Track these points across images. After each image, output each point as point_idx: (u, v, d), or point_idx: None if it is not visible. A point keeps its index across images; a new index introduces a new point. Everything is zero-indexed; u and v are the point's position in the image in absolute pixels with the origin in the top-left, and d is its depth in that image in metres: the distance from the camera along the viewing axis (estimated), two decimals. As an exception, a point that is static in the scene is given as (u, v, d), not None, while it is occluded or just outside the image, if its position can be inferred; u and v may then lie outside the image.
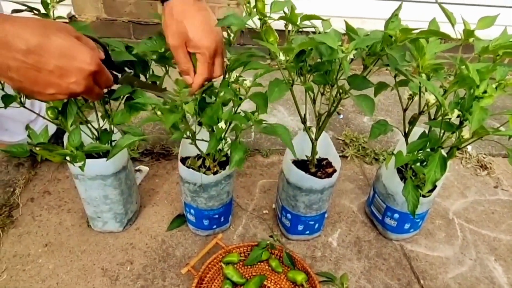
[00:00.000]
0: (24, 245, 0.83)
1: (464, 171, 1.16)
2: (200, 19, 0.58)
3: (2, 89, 0.63)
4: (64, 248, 0.82)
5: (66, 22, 0.66)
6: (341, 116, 1.39)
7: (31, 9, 0.58)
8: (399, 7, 0.54)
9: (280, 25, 0.64)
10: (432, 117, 0.73)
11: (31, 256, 0.80)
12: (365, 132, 1.30)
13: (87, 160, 0.70)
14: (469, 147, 1.24)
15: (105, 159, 0.71)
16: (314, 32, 0.65)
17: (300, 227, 0.85)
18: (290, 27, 0.64)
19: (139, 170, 1.03)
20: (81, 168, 0.61)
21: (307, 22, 0.62)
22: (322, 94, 0.71)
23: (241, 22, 0.56)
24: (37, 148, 0.58)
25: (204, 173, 0.74)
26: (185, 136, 0.65)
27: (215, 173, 0.76)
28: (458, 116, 0.63)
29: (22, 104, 0.65)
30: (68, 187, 0.98)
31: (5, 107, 0.61)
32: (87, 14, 1.60)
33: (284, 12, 0.60)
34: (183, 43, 0.58)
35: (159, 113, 0.58)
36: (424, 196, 0.77)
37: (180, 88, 0.57)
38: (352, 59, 0.58)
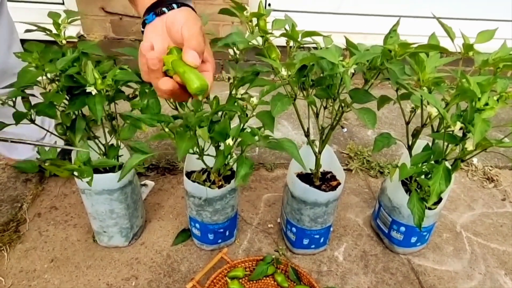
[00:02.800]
0: (30, 260, 0.83)
1: (471, 184, 1.15)
2: None
3: (14, 106, 0.65)
4: (70, 263, 0.83)
5: (75, 41, 0.69)
6: (345, 129, 1.39)
7: (43, 30, 0.61)
8: (397, 23, 0.56)
9: (282, 41, 0.66)
10: (435, 130, 0.74)
11: (37, 271, 0.81)
12: (370, 145, 1.30)
13: (94, 175, 0.71)
14: (475, 160, 1.23)
15: (111, 173, 0.73)
16: (315, 48, 0.67)
17: (306, 241, 0.84)
18: (291, 43, 0.65)
19: (144, 185, 1.04)
20: (89, 183, 0.62)
21: (308, 39, 0.64)
22: (325, 108, 0.72)
23: (244, 40, 0.58)
24: (46, 164, 0.59)
25: (209, 187, 0.75)
26: (191, 151, 0.66)
27: (220, 187, 0.76)
28: (461, 128, 0.64)
29: (33, 121, 0.67)
30: (75, 202, 0.99)
31: (16, 124, 0.63)
32: (96, 34, 1.65)
33: (285, 29, 0.62)
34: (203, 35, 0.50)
35: (167, 129, 0.59)
36: (429, 208, 0.76)
37: (196, 109, 0.58)
38: (353, 73, 0.59)
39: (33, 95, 0.66)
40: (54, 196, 1.00)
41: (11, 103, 0.65)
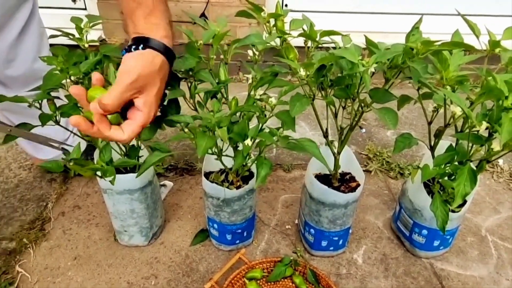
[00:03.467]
0: (54, 258, 0.86)
1: (496, 186, 1.11)
2: (160, 88, 0.58)
3: (40, 108, 0.68)
4: (92, 262, 0.85)
5: (96, 45, 0.71)
6: (364, 130, 1.37)
7: (66, 34, 0.63)
8: (420, 20, 0.54)
9: (300, 42, 0.65)
10: (459, 130, 0.71)
11: (61, 268, 0.83)
12: (389, 146, 1.27)
13: (116, 175, 0.73)
14: (501, 161, 1.19)
15: (132, 174, 0.74)
16: (334, 48, 0.66)
17: (324, 243, 0.83)
18: (309, 43, 0.65)
19: (163, 185, 1.05)
20: (112, 182, 0.63)
21: (326, 38, 0.63)
22: (344, 108, 0.71)
23: (263, 41, 0.58)
24: (71, 163, 0.61)
25: (227, 187, 0.75)
26: (210, 152, 0.67)
27: (238, 187, 0.76)
28: (486, 128, 0.61)
29: (57, 122, 0.69)
30: (97, 201, 1.01)
31: (42, 125, 0.65)
32: (116, 37, 1.69)
33: (303, 29, 0.62)
34: (136, 93, 0.55)
35: (186, 130, 0.60)
36: (453, 211, 0.74)
37: (215, 110, 0.58)
38: (373, 73, 0.58)
39: (58, 98, 0.68)
40: (77, 195, 1.03)
41: (37, 105, 0.67)
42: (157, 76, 0.56)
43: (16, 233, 0.90)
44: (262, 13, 0.56)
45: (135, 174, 0.74)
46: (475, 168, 0.64)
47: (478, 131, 0.63)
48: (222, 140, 0.68)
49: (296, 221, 0.97)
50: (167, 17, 0.59)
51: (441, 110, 0.71)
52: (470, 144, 0.66)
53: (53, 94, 0.68)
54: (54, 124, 0.69)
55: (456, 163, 0.69)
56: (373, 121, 1.43)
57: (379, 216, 0.99)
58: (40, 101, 0.66)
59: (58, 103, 0.70)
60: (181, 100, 0.69)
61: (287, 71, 0.69)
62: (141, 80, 0.54)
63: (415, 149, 1.25)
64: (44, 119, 0.66)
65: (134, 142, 0.76)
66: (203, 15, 1.60)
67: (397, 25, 1.65)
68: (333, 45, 0.67)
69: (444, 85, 0.59)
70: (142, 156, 0.78)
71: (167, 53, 0.57)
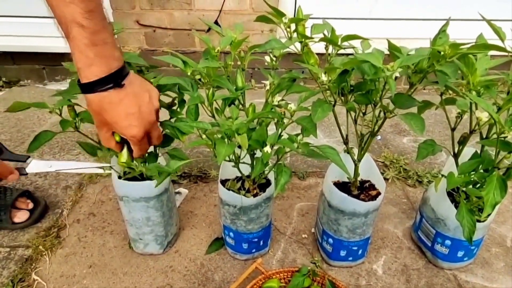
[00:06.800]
0: (70, 265, 0.85)
1: (520, 195, 1.07)
2: (123, 108, 0.55)
3: (60, 114, 0.68)
4: (107, 270, 0.84)
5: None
6: (379, 137, 1.35)
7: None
8: (447, 23, 0.53)
9: (319, 48, 0.65)
10: (484, 136, 0.69)
11: (77, 276, 0.83)
12: (406, 153, 1.25)
13: (132, 183, 0.73)
14: (523, 169, 1.15)
15: (149, 181, 0.73)
16: (353, 54, 0.65)
17: (343, 253, 0.81)
18: (330, 49, 0.64)
19: (178, 193, 1.05)
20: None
21: (346, 44, 0.62)
22: (364, 114, 0.70)
23: (283, 46, 0.57)
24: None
25: (244, 195, 0.74)
26: (227, 159, 0.66)
27: (255, 195, 0.75)
28: (514, 134, 0.59)
29: (77, 129, 0.69)
30: (111, 209, 1.01)
31: (63, 130, 0.65)
32: (130, 46, 1.71)
33: (324, 35, 0.61)
34: (107, 128, 0.59)
35: (204, 136, 0.59)
36: (479, 221, 0.71)
37: (234, 116, 0.58)
38: (396, 77, 0.57)
39: (78, 105, 0.69)
40: (92, 202, 1.03)
41: (58, 111, 0.67)
42: (104, 111, 0.55)
43: (32, 240, 0.90)
44: (283, 18, 0.55)
45: (152, 182, 0.73)
46: (504, 177, 0.61)
47: (506, 137, 0.61)
48: (239, 147, 0.67)
49: (313, 230, 0.94)
50: (91, 41, 0.50)
51: (465, 116, 0.69)
52: (497, 151, 0.64)
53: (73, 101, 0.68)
54: (74, 130, 0.70)
55: (482, 170, 0.67)
56: (388, 127, 1.41)
57: (398, 225, 0.97)
58: (60, 108, 0.67)
59: (77, 109, 0.70)
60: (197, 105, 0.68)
61: (305, 77, 0.69)
62: (97, 120, 0.58)
63: (433, 156, 1.22)
64: (64, 125, 0.66)
65: (151, 149, 0.75)
66: (216, 23, 1.61)
67: (409, 31, 1.64)
68: (352, 52, 0.66)
69: (470, 90, 0.57)
70: (159, 163, 0.77)
71: (103, 84, 0.52)
